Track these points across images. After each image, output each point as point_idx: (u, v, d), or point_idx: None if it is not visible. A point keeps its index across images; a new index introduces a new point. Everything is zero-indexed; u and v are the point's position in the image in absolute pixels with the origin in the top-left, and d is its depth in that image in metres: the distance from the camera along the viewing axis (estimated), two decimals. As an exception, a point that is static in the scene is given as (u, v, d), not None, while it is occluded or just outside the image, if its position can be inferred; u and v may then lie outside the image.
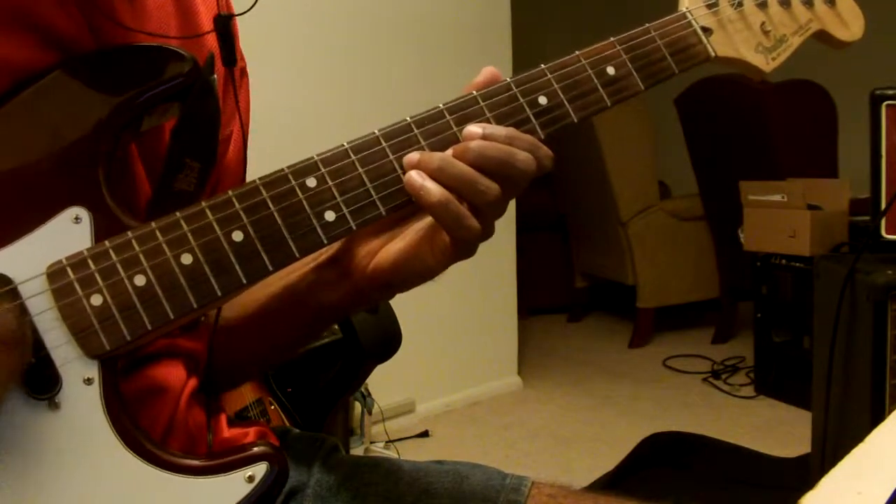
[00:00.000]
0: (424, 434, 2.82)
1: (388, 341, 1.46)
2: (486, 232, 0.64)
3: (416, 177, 0.62)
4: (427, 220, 0.67)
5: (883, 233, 1.69)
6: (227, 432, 0.77)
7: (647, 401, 3.06)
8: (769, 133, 3.26)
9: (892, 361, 1.59)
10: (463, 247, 0.64)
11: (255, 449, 0.60)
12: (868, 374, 1.61)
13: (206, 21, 0.74)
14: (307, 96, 2.58)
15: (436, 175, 0.62)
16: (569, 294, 4.22)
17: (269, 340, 0.78)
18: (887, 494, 0.62)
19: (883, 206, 1.68)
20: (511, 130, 0.64)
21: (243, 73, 0.80)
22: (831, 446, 1.75)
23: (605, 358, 3.62)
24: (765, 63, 0.77)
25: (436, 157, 0.62)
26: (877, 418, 1.55)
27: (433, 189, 0.61)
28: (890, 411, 1.57)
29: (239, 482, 0.59)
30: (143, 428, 0.59)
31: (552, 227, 4.20)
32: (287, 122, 2.42)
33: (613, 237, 3.67)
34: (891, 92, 1.67)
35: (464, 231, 0.62)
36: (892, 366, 1.59)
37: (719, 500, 2.18)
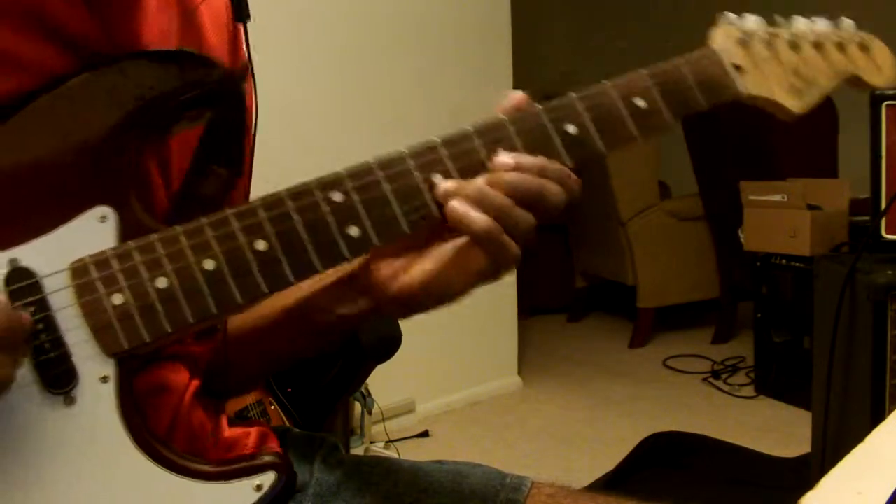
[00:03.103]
0: (424, 434, 2.82)
1: (388, 341, 1.46)
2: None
3: (458, 206, 0.62)
4: (456, 245, 0.66)
5: (883, 233, 1.69)
6: (227, 432, 0.77)
7: (647, 401, 3.06)
8: (769, 133, 3.26)
9: (892, 361, 1.59)
10: (496, 273, 0.64)
11: (265, 458, 0.60)
12: (868, 374, 1.61)
13: (209, 26, 0.74)
14: (307, 96, 2.58)
15: (474, 204, 0.62)
16: (569, 294, 4.22)
17: (278, 351, 0.78)
18: (887, 494, 0.62)
19: (883, 206, 1.68)
20: (542, 160, 0.63)
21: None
22: (831, 446, 1.75)
23: (605, 358, 3.62)
24: (797, 105, 0.74)
25: (471, 187, 0.62)
26: (877, 418, 1.55)
27: (478, 218, 0.61)
28: (890, 411, 1.57)
29: (247, 490, 0.59)
30: (150, 427, 0.59)
31: (552, 227, 4.19)
32: (286, 121, 2.42)
33: (613, 237, 3.67)
34: (891, 92, 1.66)
35: (507, 258, 0.63)
36: (892, 366, 1.59)
37: (719, 500, 2.18)
